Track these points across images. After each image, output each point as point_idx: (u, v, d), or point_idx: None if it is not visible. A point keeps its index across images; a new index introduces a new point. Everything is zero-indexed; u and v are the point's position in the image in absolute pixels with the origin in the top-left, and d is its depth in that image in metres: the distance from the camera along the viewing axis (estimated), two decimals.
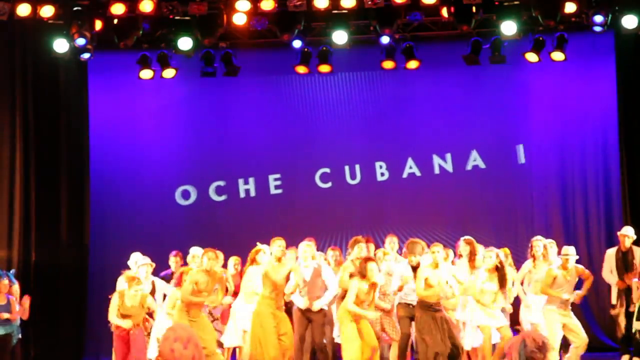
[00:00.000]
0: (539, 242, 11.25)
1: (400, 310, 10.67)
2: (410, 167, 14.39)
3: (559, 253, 11.16)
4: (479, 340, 10.82)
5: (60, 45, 12.82)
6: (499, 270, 10.50)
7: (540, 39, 13.12)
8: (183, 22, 12.80)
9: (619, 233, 12.02)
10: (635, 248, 11.91)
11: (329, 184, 14.43)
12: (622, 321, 11.79)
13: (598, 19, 12.30)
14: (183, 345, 5.52)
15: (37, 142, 13.87)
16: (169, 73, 13.67)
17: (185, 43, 12.97)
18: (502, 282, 10.53)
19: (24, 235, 13.59)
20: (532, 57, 13.23)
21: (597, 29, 12.46)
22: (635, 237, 11.96)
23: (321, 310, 10.64)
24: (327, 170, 14.48)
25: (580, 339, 10.62)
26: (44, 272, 13.55)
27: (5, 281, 10.98)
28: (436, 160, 14.36)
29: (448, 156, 14.33)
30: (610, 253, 12.05)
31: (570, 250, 10.78)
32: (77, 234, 14.14)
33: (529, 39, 13.14)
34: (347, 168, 14.49)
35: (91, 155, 14.27)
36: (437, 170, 14.35)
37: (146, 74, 13.70)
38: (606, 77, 13.79)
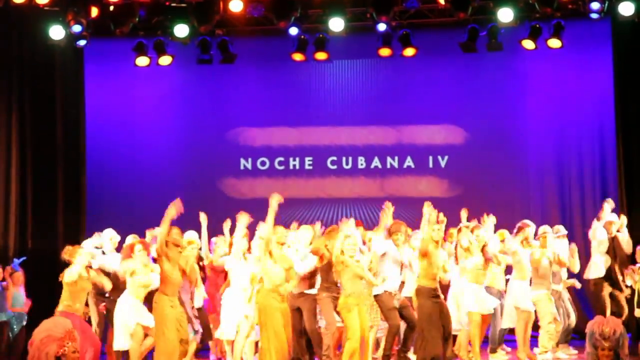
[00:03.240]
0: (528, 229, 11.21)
1: (386, 301, 10.30)
2: (408, 156, 14.42)
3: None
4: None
5: (56, 32, 12.84)
6: (483, 251, 10.56)
7: (537, 26, 13.09)
8: (179, 9, 12.82)
9: (605, 222, 12.00)
10: (619, 235, 11.94)
11: (331, 169, 14.47)
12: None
13: (595, 6, 12.30)
14: (58, 346, 5.49)
15: (34, 130, 13.86)
16: (165, 60, 13.68)
17: (181, 30, 13.00)
18: (486, 260, 10.57)
19: (20, 224, 13.59)
20: (528, 44, 13.22)
21: (594, 15, 12.47)
22: (619, 221, 12.00)
23: (310, 296, 10.45)
24: (325, 157, 14.55)
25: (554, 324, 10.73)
26: (40, 261, 13.52)
27: None
28: (432, 146, 14.40)
29: (444, 142, 14.36)
30: (604, 233, 12.00)
31: (547, 228, 10.92)
32: (74, 222, 14.13)
33: (526, 26, 13.12)
34: (343, 155, 14.53)
35: (87, 143, 14.29)
36: (433, 157, 14.38)
37: (142, 61, 13.70)
38: (603, 64, 13.78)
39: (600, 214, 12.04)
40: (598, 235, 11.96)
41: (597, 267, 11.93)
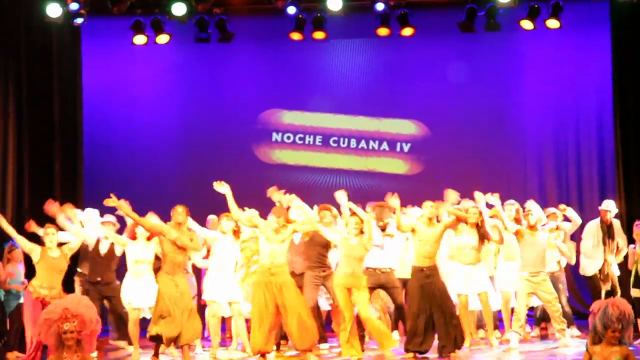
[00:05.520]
0: (511, 207, 11.05)
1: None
2: (404, 132, 14.45)
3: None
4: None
5: (54, 10, 12.81)
6: (479, 227, 10.35)
7: (536, 6, 13.08)
8: None
9: (600, 208, 11.89)
10: (615, 221, 11.90)
11: (332, 146, 14.66)
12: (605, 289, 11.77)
13: None
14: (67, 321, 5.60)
15: (31, 108, 13.79)
16: (162, 39, 13.64)
17: (179, 9, 12.99)
18: (482, 238, 10.39)
19: (17, 202, 13.56)
20: (527, 24, 13.21)
21: None
22: (617, 210, 11.97)
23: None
24: (329, 137, 14.69)
25: (552, 305, 10.54)
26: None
27: None
28: (429, 125, 14.42)
29: (441, 121, 14.37)
30: (593, 226, 11.90)
31: (531, 205, 10.76)
32: (71, 200, 14.07)
33: (524, 6, 13.11)
34: (341, 136, 14.62)
35: (84, 121, 14.25)
36: (429, 135, 14.38)
37: (139, 39, 13.67)
38: (601, 45, 13.77)
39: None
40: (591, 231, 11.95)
41: (592, 264, 11.90)
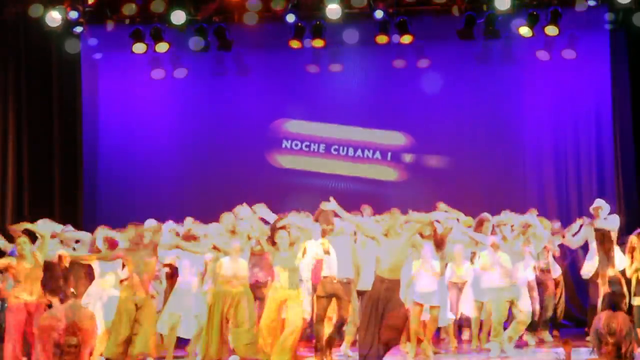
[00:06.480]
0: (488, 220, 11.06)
1: (317, 289, 10.06)
2: (403, 140, 14.47)
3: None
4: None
5: (53, 19, 12.84)
6: (435, 236, 10.31)
7: (534, 13, 13.12)
8: None
9: (591, 208, 11.78)
10: (611, 231, 11.78)
11: (334, 154, 14.76)
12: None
13: None
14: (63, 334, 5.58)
15: (30, 118, 13.83)
16: (161, 47, 13.67)
17: (178, 17, 13.02)
18: (438, 245, 10.33)
19: (17, 211, 13.57)
20: (525, 31, 13.23)
21: (591, 3, 12.50)
22: (608, 207, 11.85)
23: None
24: (330, 145, 14.77)
25: (523, 314, 10.45)
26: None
27: None
28: (427, 133, 14.43)
29: (439, 129, 14.37)
30: (583, 230, 11.81)
31: (504, 216, 10.70)
32: (70, 209, 14.10)
33: (523, 13, 13.13)
34: (340, 145, 14.67)
35: (84, 131, 14.27)
36: (427, 143, 14.43)
37: (139, 47, 13.70)
38: (600, 50, 13.79)
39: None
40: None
41: (593, 265, 11.82)
